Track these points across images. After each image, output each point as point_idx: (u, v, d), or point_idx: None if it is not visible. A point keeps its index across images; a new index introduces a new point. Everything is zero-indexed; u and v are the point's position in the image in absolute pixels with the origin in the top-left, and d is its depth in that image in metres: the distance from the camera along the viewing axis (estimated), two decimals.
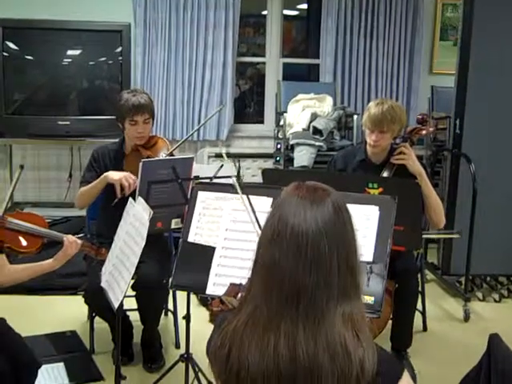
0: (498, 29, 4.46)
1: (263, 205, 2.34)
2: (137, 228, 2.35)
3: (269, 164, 5.61)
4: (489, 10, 4.45)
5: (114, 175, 3.28)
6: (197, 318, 3.08)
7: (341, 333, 1.31)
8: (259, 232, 2.19)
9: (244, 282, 1.73)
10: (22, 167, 2.88)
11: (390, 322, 3.38)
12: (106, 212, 3.40)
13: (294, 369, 1.30)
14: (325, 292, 1.32)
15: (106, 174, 3.32)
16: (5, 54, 4.93)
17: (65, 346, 3.63)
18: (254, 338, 1.34)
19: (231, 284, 1.89)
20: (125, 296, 2.34)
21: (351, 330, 1.33)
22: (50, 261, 2.80)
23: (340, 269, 1.33)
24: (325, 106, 5.47)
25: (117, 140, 3.62)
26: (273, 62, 6.06)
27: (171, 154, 3.50)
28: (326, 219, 1.33)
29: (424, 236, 4.01)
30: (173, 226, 3.13)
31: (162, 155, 3.38)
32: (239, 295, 1.80)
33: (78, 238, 2.91)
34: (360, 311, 1.38)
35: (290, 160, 5.17)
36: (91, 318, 3.64)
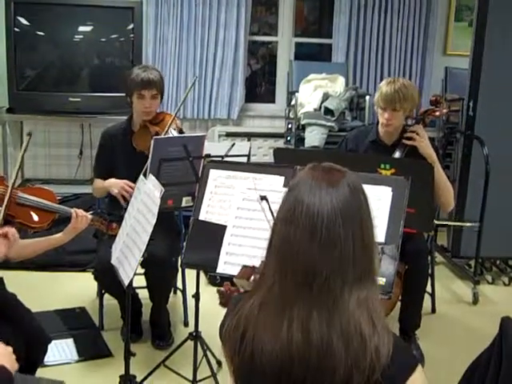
0: None
1: (275, 183, 2.33)
2: (148, 205, 2.34)
3: (280, 144, 5.59)
4: None
5: (113, 187, 3.35)
6: (206, 296, 3.09)
7: (355, 318, 1.28)
8: (266, 211, 2.19)
9: (256, 261, 1.71)
10: (30, 134, 2.86)
11: (399, 303, 3.39)
12: None
13: (308, 354, 1.28)
14: (339, 275, 1.29)
15: (107, 183, 3.41)
16: (16, 29, 4.90)
17: (74, 322, 3.66)
18: (268, 321, 1.32)
19: (244, 266, 1.86)
20: (135, 274, 2.34)
21: (366, 315, 1.29)
22: (60, 235, 2.80)
23: (355, 251, 1.30)
24: (337, 86, 5.43)
25: (126, 117, 3.62)
26: (285, 42, 6.01)
27: (180, 131, 3.50)
28: (342, 200, 1.30)
29: None
30: (183, 204, 3.12)
31: (171, 132, 3.37)
32: (252, 278, 1.77)
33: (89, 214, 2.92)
34: (375, 295, 1.34)
35: (301, 140, 5.15)
36: (100, 295, 3.66)
